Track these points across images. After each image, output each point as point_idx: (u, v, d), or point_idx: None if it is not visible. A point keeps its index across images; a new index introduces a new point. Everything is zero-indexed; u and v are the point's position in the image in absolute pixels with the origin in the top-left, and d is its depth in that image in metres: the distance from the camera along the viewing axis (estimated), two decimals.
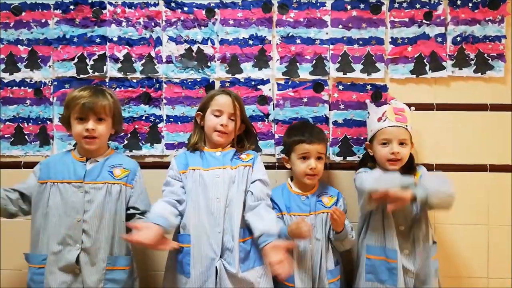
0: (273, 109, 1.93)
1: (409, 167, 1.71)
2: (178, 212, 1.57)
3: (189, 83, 1.93)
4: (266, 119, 1.93)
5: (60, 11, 1.94)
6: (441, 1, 1.90)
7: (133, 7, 1.93)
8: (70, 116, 1.60)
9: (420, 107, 1.80)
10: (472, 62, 1.90)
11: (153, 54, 1.93)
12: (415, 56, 1.91)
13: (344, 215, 1.64)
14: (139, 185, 1.65)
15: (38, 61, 1.94)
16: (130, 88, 1.93)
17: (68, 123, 1.62)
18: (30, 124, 1.94)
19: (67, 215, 1.55)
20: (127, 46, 1.93)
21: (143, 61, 1.93)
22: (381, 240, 1.66)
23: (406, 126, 1.68)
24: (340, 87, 1.92)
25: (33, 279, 1.56)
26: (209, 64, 1.93)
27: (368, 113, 1.80)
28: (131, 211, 1.62)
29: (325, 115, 1.92)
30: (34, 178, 1.62)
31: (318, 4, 1.91)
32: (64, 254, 1.53)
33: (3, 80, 1.95)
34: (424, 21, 1.90)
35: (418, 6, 1.90)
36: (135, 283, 1.64)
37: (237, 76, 1.93)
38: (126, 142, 1.94)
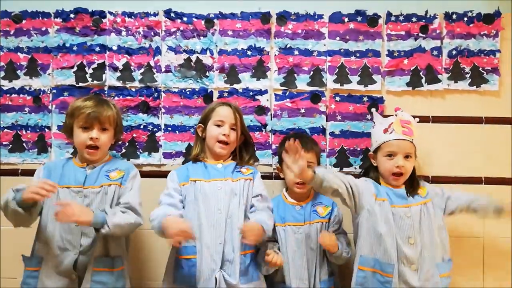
0: (271, 119, 1.94)
1: (411, 180, 1.71)
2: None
3: (188, 93, 1.95)
4: (264, 129, 1.94)
5: (61, 20, 1.95)
6: (437, 15, 1.93)
7: (133, 17, 1.95)
8: (73, 125, 1.63)
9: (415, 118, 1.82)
10: (467, 76, 1.93)
11: (152, 63, 1.95)
12: (411, 68, 1.93)
13: (333, 238, 1.63)
14: (130, 183, 1.65)
15: (38, 69, 1.95)
16: (128, 97, 1.95)
17: (70, 132, 1.65)
18: (28, 131, 1.95)
19: None
20: (126, 55, 1.95)
21: (142, 70, 1.95)
22: (377, 251, 1.61)
23: (412, 139, 1.69)
24: (337, 98, 1.94)
25: (26, 282, 1.57)
26: (207, 74, 1.95)
27: (374, 122, 1.79)
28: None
29: (322, 126, 1.94)
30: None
31: (316, 17, 1.94)
32: (62, 259, 1.54)
33: (2, 87, 1.96)
34: (420, 34, 1.93)
35: (414, 19, 1.93)
36: (126, 285, 1.62)
37: (235, 86, 1.95)
38: (124, 150, 1.94)
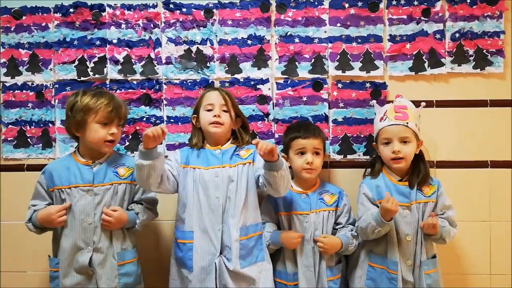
0: (273, 108, 1.93)
1: (416, 169, 1.70)
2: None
3: (189, 84, 1.94)
4: (266, 119, 1.94)
5: (60, 15, 1.95)
6: None
7: (132, 9, 1.95)
8: (87, 121, 1.59)
9: (419, 104, 1.79)
10: (471, 58, 1.90)
11: (152, 55, 1.95)
12: (414, 53, 1.91)
13: (329, 242, 1.65)
14: None
15: (39, 64, 1.96)
16: (130, 90, 1.95)
17: (80, 127, 1.60)
18: (32, 127, 1.96)
19: (76, 218, 1.58)
20: (126, 48, 1.95)
21: (143, 62, 1.95)
22: (383, 250, 1.66)
23: (407, 123, 1.67)
24: (339, 85, 1.92)
25: (52, 282, 1.62)
26: (208, 64, 1.94)
27: (375, 113, 1.80)
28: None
29: (324, 113, 1.92)
30: (42, 189, 1.65)
31: (316, 3, 1.92)
32: (76, 258, 1.57)
33: (5, 83, 1.97)
34: (422, 18, 1.90)
35: (416, 3, 1.90)
36: (140, 273, 1.70)
37: (236, 76, 1.94)
38: (127, 143, 1.95)
